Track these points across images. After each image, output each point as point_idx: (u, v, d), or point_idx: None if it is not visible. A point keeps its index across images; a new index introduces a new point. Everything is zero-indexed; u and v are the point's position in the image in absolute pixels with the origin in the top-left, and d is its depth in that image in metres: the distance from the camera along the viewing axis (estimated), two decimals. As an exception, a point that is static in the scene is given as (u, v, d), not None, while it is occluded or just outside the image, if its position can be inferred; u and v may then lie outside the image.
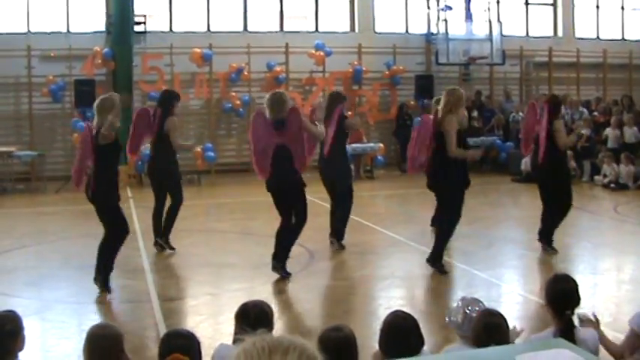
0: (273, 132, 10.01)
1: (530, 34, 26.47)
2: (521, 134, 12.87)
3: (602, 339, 5.21)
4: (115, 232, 9.36)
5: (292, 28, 24.30)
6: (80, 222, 15.05)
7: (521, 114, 22.74)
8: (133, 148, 12.24)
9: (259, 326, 4.63)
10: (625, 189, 18.45)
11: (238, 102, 22.51)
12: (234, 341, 4.89)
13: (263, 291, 9.32)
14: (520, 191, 19.04)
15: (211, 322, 8.31)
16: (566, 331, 4.78)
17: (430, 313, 8.46)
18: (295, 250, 11.31)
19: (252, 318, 4.84)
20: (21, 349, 4.61)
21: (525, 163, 20.39)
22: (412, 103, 23.62)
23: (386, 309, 7.82)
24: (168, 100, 12.04)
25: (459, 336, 4.99)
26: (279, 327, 7.68)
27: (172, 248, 11.90)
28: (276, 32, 23.93)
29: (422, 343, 4.60)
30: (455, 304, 5.15)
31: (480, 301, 5.12)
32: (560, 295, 5.00)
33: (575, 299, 5.02)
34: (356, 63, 23.63)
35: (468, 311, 4.91)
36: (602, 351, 5.21)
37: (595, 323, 5.21)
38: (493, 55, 23.78)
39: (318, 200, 15.60)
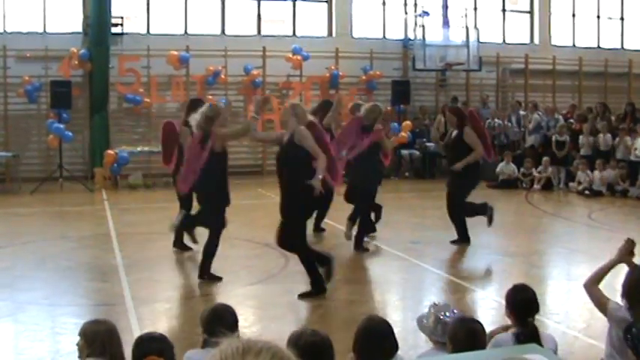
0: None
1: (506, 41, 26.60)
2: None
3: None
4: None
5: (270, 32, 24.30)
6: (55, 223, 15.00)
7: (497, 120, 22.90)
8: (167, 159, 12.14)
9: (231, 330, 4.67)
10: (599, 196, 18.58)
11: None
12: (207, 344, 4.88)
13: (238, 294, 9.30)
14: (495, 197, 19.10)
15: (185, 325, 8.28)
16: (533, 338, 4.93)
17: (405, 318, 8.48)
18: (271, 254, 11.36)
19: (225, 321, 4.85)
20: None
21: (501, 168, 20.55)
22: (389, 108, 23.63)
23: (361, 314, 7.83)
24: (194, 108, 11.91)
25: (432, 341, 5.01)
26: (254, 331, 7.68)
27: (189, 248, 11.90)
28: (254, 36, 23.93)
29: (396, 347, 4.61)
30: (426, 310, 5.16)
31: (451, 306, 5.15)
32: (521, 304, 5.17)
33: (534, 307, 5.19)
34: (333, 67, 23.66)
35: (440, 317, 4.92)
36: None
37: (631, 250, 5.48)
38: (470, 62, 23.86)
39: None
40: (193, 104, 11.62)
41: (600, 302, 5.40)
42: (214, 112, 9.95)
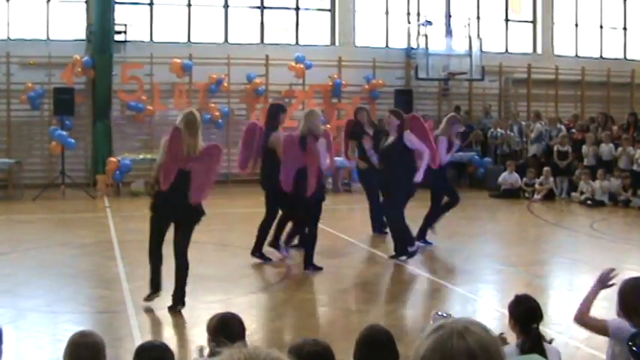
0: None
1: (509, 51, 26.61)
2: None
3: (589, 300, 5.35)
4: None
5: (273, 40, 24.33)
6: (57, 230, 14.99)
7: (500, 130, 22.90)
8: (242, 163, 12.28)
9: (238, 339, 4.65)
10: (601, 205, 18.55)
11: (217, 113, 22.48)
12: (213, 354, 4.86)
13: (239, 303, 9.29)
14: (498, 206, 19.11)
15: (187, 333, 8.28)
16: (536, 345, 4.91)
17: (406, 327, 8.47)
18: (272, 262, 11.39)
19: (232, 330, 4.83)
20: None
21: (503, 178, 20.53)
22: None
23: (362, 323, 7.82)
24: (273, 113, 12.02)
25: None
26: (255, 340, 7.67)
27: (268, 259, 11.79)
28: (257, 44, 23.95)
29: (396, 357, 4.60)
30: (429, 322, 5.16)
31: (453, 317, 5.13)
32: (525, 314, 5.14)
33: (538, 315, 5.16)
34: (335, 76, 23.66)
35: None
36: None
37: (606, 280, 5.36)
38: (472, 71, 23.85)
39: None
40: (274, 109, 12.16)
41: (598, 327, 5.32)
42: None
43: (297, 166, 10.89)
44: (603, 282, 5.38)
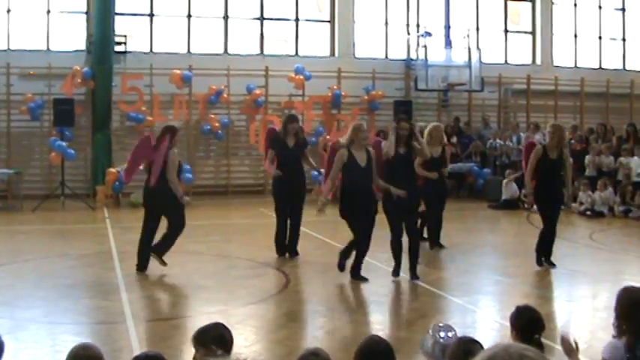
0: None
1: (508, 62, 26.67)
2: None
3: None
4: None
5: (272, 51, 24.37)
6: (56, 241, 14.98)
7: (499, 141, 22.90)
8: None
9: (230, 346, 4.63)
10: (600, 216, 18.56)
11: (217, 124, 22.52)
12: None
13: (238, 314, 9.28)
14: (497, 217, 19.11)
15: (185, 344, 8.26)
16: None
17: (405, 338, 8.45)
18: (271, 273, 11.36)
19: (229, 341, 4.82)
20: None
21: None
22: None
23: (361, 334, 7.81)
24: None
25: (432, 363, 4.99)
26: (254, 351, 7.66)
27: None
28: (256, 55, 23.99)
29: (396, 368, 4.60)
30: (428, 332, 5.15)
31: (452, 328, 5.12)
32: (526, 325, 5.10)
33: (540, 326, 5.13)
34: (335, 87, 23.69)
35: (438, 337, 4.91)
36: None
37: (573, 349, 5.24)
38: (472, 82, 23.88)
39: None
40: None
41: None
42: None
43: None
44: (568, 351, 5.26)
